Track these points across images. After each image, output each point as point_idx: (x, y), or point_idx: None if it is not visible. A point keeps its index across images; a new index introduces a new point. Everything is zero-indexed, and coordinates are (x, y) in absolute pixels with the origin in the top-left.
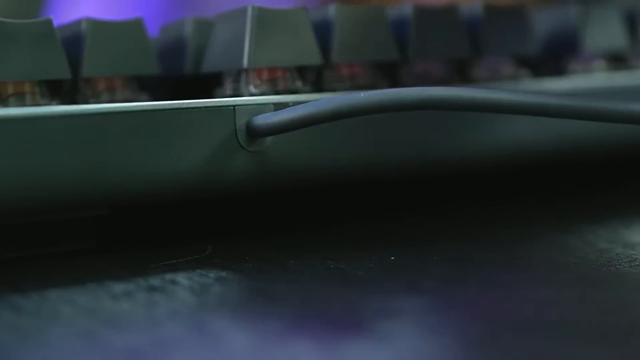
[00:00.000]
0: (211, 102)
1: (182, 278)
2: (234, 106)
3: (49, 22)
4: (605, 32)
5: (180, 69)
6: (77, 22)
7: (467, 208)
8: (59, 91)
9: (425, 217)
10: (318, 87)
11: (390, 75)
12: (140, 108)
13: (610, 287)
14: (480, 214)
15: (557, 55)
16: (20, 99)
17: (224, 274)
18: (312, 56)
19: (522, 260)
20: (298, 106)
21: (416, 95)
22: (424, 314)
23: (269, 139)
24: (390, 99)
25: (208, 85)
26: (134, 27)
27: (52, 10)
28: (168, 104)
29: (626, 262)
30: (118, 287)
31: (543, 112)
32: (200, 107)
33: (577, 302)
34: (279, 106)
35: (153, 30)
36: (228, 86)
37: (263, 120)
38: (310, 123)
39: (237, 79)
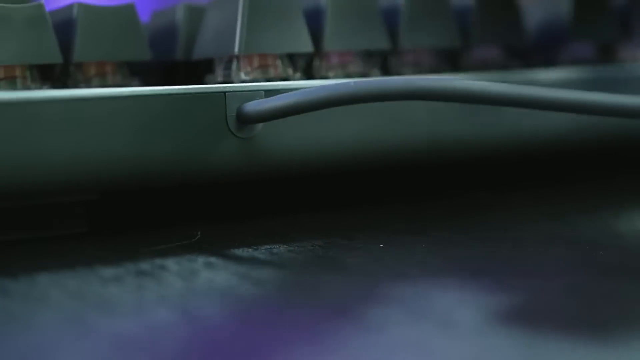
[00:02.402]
0: (202, 88)
1: (171, 263)
2: (224, 92)
3: (40, 7)
4: (596, 23)
5: (171, 55)
6: (69, 7)
7: (459, 196)
8: (50, 76)
9: (416, 204)
10: (309, 75)
11: (381, 63)
12: (131, 94)
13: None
14: (473, 201)
15: (548, 45)
16: (11, 83)
17: (212, 259)
18: (303, 43)
19: (513, 247)
20: (289, 93)
21: (406, 85)
22: (411, 301)
23: (260, 125)
24: (380, 88)
25: (199, 71)
26: (126, 13)
27: None
28: (159, 90)
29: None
30: (108, 272)
31: (531, 104)
32: (191, 93)
33: (567, 291)
34: (269, 93)
35: (144, 15)
36: (219, 72)
37: (254, 106)
38: (300, 110)
39: (228, 66)
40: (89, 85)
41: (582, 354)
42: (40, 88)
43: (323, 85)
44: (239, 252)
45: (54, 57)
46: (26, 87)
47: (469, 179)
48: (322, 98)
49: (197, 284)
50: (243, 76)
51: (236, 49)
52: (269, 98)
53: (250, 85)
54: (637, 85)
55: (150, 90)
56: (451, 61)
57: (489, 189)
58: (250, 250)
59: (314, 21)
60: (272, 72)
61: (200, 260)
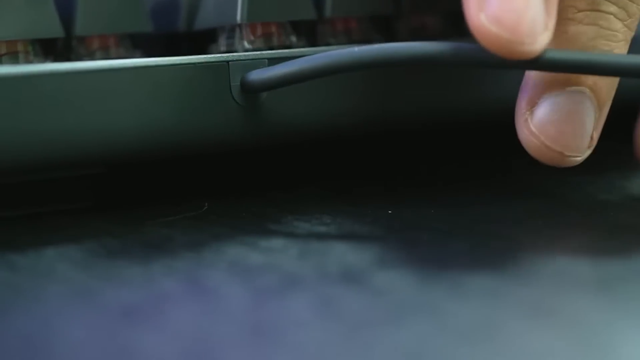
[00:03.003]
0: (205, 58)
1: (178, 234)
2: (227, 62)
3: None
4: None
5: (174, 26)
6: None
7: (466, 163)
8: (52, 50)
9: (424, 172)
10: (312, 42)
11: (385, 29)
12: (134, 65)
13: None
14: (479, 168)
15: None
16: (14, 58)
17: (220, 229)
18: (306, 10)
19: (522, 213)
20: (292, 61)
21: (410, 51)
22: (420, 265)
23: (264, 94)
24: (384, 54)
25: (202, 41)
26: None
27: None
28: (162, 61)
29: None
30: (114, 244)
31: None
32: (194, 64)
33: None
34: (273, 61)
35: None
36: (222, 42)
37: (257, 75)
38: (304, 78)
39: (231, 35)
40: (92, 58)
41: None
42: (43, 62)
43: (326, 52)
44: (246, 222)
45: (56, 31)
46: (29, 62)
47: (480, 145)
48: (326, 65)
49: (204, 254)
50: (246, 45)
51: (239, 18)
52: (273, 66)
53: (253, 54)
54: None
55: (153, 62)
56: (457, 26)
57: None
58: (258, 220)
59: None
60: (275, 41)
61: (208, 230)
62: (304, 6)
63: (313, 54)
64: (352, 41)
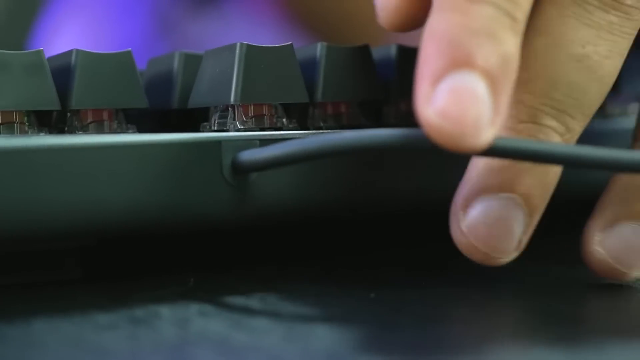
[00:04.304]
0: (197, 136)
1: (165, 310)
2: (220, 141)
3: (39, 53)
4: None
5: (167, 103)
6: (67, 53)
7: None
8: (47, 121)
9: (408, 253)
10: (302, 124)
11: (374, 114)
12: (127, 142)
13: None
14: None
15: None
16: (9, 128)
17: (206, 307)
18: (298, 94)
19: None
20: (283, 143)
21: (398, 137)
22: (402, 351)
23: (254, 174)
24: (373, 140)
25: (194, 119)
26: (123, 60)
27: (35, 38)
28: (154, 137)
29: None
30: (102, 319)
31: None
32: (187, 142)
33: None
34: (264, 142)
35: (140, 63)
36: (214, 121)
37: (249, 156)
38: (295, 160)
39: (223, 115)
40: (86, 131)
41: None
42: (37, 134)
43: (317, 135)
44: (231, 300)
45: (52, 103)
46: (24, 133)
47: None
48: (317, 148)
49: (190, 332)
50: (238, 125)
51: (232, 99)
52: (264, 147)
53: (245, 135)
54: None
55: (146, 138)
56: None
57: None
58: (242, 298)
59: (309, 71)
60: (267, 122)
61: (194, 307)
62: (296, 90)
63: (304, 137)
64: (341, 125)
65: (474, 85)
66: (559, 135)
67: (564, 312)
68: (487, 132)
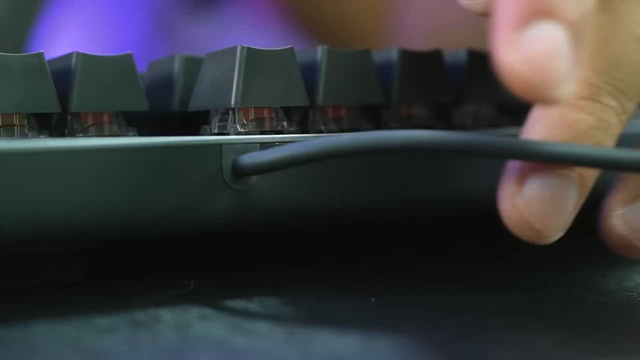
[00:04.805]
0: (198, 139)
1: (165, 313)
2: (220, 144)
3: (40, 56)
4: None
5: (168, 106)
6: (68, 56)
7: (455, 249)
8: (47, 124)
9: (410, 258)
10: (303, 127)
11: (375, 117)
12: (127, 144)
13: None
14: (469, 255)
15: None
16: (9, 131)
17: (206, 310)
18: (298, 97)
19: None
20: (284, 146)
21: (400, 139)
22: (402, 355)
23: (254, 177)
24: (375, 142)
25: (195, 122)
26: (124, 62)
27: (36, 40)
28: (155, 140)
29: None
30: (102, 322)
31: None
32: (187, 145)
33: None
34: (265, 146)
35: (141, 66)
36: (215, 124)
37: (249, 159)
38: (295, 163)
39: (224, 118)
40: (86, 133)
41: None
42: (37, 136)
43: (318, 138)
44: (231, 303)
45: (52, 106)
46: (24, 136)
47: (465, 230)
48: (317, 151)
49: (190, 335)
50: (239, 128)
51: (232, 102)
52: (265, 150)
53: (246, 138)
54: None
55: (146, 141)
56: (443, 117)
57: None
58: (243, 302)
59: (310, 75)
60: (267, 125)
61: (194, 311)
62: (297, 93)
63: (304, 140)
64: (341, 128)
65: (561, 38)
66: (617, 115)
67: (567, 317)
68: (568, 86)
